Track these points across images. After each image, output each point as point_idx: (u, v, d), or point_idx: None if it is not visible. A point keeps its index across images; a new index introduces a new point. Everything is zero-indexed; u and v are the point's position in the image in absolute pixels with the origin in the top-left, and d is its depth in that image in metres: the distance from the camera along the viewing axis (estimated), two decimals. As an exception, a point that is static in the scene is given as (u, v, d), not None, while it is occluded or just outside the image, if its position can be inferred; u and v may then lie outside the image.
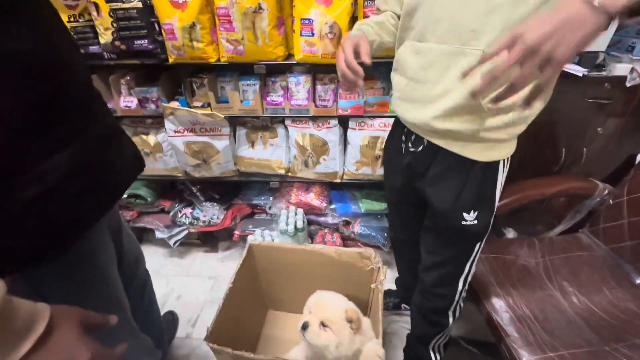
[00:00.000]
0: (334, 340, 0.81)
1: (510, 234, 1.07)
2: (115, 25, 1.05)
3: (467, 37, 0.56)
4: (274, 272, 1.12)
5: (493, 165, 0.66)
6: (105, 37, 1.09)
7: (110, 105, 1.27)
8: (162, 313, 1.37)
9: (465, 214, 0.69)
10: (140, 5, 1.03)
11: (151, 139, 1.32)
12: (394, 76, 0.73)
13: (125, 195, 1.49)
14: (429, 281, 0.85)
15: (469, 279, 0.81)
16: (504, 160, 0.66)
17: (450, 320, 0.88)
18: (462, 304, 0.86)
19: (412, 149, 0.74)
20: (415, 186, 0.78)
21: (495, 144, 0.64)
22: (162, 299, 1.44)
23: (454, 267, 0.79)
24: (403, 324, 1.28)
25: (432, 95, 0.62)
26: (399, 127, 0.79)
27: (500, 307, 0.82)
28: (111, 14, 1.04)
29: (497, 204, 0.70)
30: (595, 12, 0.38)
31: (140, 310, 0.85)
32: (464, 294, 0.84)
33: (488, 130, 0.60)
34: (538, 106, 0.60)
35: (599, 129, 1.20)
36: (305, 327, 0.82)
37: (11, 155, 0.37)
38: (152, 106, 1.22)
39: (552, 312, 0.80)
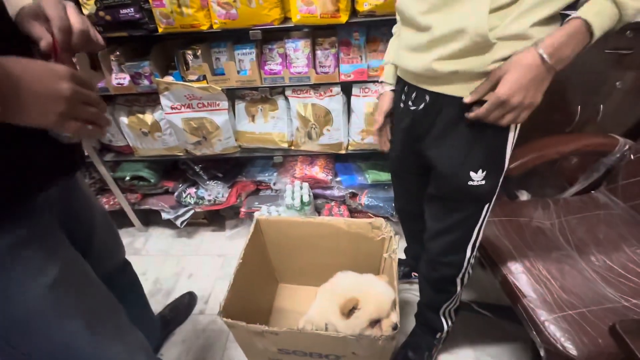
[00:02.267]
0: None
1: (524, 196, 1.04)
2: (97, -7, 0.98)
3: None
4: (282, 246, 1.11)
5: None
6: (89, 8, 1.02)
7: (101, 84, 1.22)
8: (175, 294, 1.39)
9: (472, 173, 0.66)
10: (122, -31, 0.96)
11: (148, 117, 1.27)
12: (397, 28, 0.70)
13: (127, 178, 1.47)
14: (435, 250, 0.83)
15: (477, 244, 0.78)
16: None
17: (459, 287, 0.87)
18: (470, 271, 0.84)
19: (412, 107, 0.70)
20: (416, 150, 0.75)
21: None
22: (173, 278, 1.45)
23: (461, 233, 0.77)
24: (414, 291, 1.28)
25: (435, 39, 0.58)
26: (399, 85, 0.75)
27: (515, 269, 0.80)
28: (92, -19, 0.97)
29: (507, 163, 0.66)
30: (550, 71, 0.53)
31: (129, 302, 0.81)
32: (472, 261, 0.82)
33: (498, 61, 0.56)
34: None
35: (617, 83, 1.13)
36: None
37: None
38: (146, 82, 1.17)
39: (570, 272, 0.78)
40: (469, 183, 0.67)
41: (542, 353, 0.68)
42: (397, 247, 0.91)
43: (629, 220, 0.89)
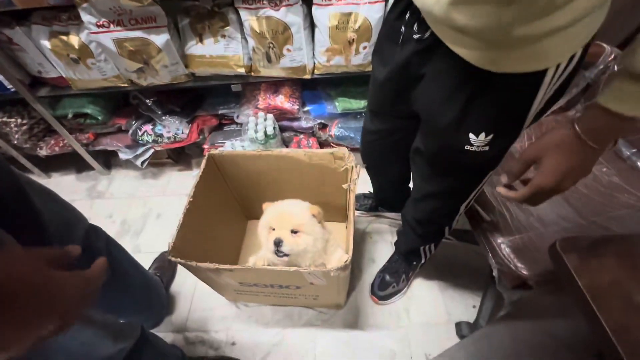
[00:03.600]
0: (310, 240, 0.83)
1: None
2: None
3: None
4: (244, 181, 1.05)
5: (532, 76, 0.44)
6: None
7: (5, -3, 0.98)
8: (145, 234, 1.35)
9: (472, 135, 0.51)
10: None
11: (74, 39, 1.07)
12: None
13: (70, 116, 1.32)
14: (423, 211, 0.77)
15: (472, 202, 0.70)
16: (557, 66, 0.42)
17: (446, 233, 0.84)
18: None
19: (416, 36, 0.51)
20: (406, 92, 0.59)
21: (544, 41, 0.39)
22: (141, 219, 1.41)
23: (453, 200, 0.68)
24: (382, 222, 1.29)
25: None
26: (402, 1, 0.54)
27: (479, 195, 0.77)
28: None
29: (528, 125, 0.51)
30: (595, 152, 0.44)
31: (116, 274, 0.74)
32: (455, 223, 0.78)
33: (528, 21, 0.37)
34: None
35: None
36: (278, 243, 0.79)
37: None
38: (57, -9, 0.94)
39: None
40: (465, 147, 0.53)
41: (494, 273, 0.68)
42: (358, 178, 0.85)
43: (602, 140, 0.84)
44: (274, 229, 0.83)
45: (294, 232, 0.82)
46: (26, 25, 1.08)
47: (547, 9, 0.36)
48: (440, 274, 1.12)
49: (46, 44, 1.07)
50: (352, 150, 0.99)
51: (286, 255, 0.81)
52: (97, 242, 0.70)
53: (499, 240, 0.68)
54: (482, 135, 0.51)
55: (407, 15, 0.52)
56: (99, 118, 1.35)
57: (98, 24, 1.00)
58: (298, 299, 0.97)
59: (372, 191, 1.22)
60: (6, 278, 0.23)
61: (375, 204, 1.24)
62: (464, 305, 1.06)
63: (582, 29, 0.39)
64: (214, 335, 1.05)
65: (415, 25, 0.51)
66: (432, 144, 0.61)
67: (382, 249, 1.21)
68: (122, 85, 1.22)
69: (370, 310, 1.06)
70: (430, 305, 1.07)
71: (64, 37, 1.07)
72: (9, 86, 1.17)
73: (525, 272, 0.63)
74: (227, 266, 0.72)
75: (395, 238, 1.16)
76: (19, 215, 0.45)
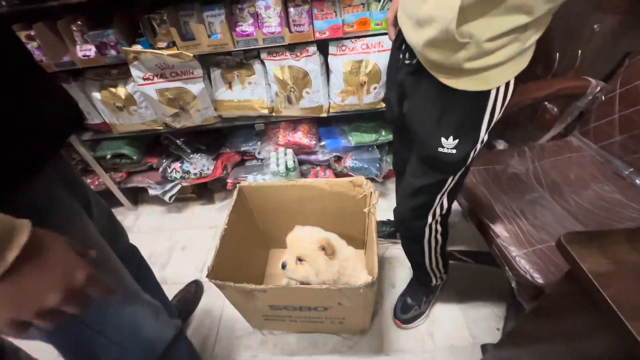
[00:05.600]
0: (312, 271, 0.86)
1: (501, 145, 1.06)
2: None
3: None
4: (268, 211, 1.13)
5: (482, 95, 0.59)
6: (39, -28, 0.95)
7: (66, 59, 1.16)
8: (170, 266, 1.41)
9: (443, 139, 0.65)
10: None
11: (121, 91, 1.23)
12: None
13: (108, 156, 1.45)
14: (402, 208, 0.85)
15: (440, 212, 0.80)
16: (497, 88, 0.59)
17: (426, 248, 0.89)
18: (439, 238, 0.87)
19: (407, 62, 0.68)
20: (402, 109, 0.74)
21: (484, 73, 0.57)
22: (167, 252, 1.48)
23: (424, 199, 0.78)
24: (400, 248, 1.33)
25: (419, 16, 0.55)
26: (400, 35, 0.70)
27: (491, 213, 0.84)
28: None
29: (483, 134, 0.65)
30: None
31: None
32: (437, 228, 0.84)
33: (472, 60, 0.54)
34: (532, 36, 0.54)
35: (595, 26, 1.12)
36: (283, 266, 0.87)
37: None
38: (113, 52, 1.12)
39: (541, 211, 0.82)
40: (439, 149, 0.66)
41: (513, 285, 0.72)
42: (377, 202, 0.93)
43: (599, 161, 0.92)
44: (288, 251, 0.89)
45: (300, 259, 0.86)
46: (80, 80, 1.25)
47: (482, 54, 0.53)
48: (461, 297, 1.14)
49: (97, 95, 1.24)
50: (369, 180, 1.08)
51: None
52: (132, 259, 0.81)
53: (514, 254, 0.74)
54: (451, 139, 0.65)
55: (403, 47, 0.68)
56: (134, 158, 1.48)
57: (144, 77, 1.16)
58: (324, 323, 1.00)
59: (390, 218, 1.29)
60: (52, 241, 0.35)
61: (394, 230, 1.30)
62: (488, 328, 1.07)
63: (509, 67, 0.56)
64: (241, 364, 1.06)
65: (407, 53, 0.67)
66: (418, 147, 0.74)
67: (401, 274, 1.24)
68: (158, 127, 1.36)
69: (394, 335, 1.08)
70: (453, 328, 1.08)
71: (113, 89, 1.23)
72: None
73: (541, 282, 0.67)
74: (262, 287, 0.77)
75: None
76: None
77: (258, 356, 1.07)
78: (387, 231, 1.33)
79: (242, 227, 1.08)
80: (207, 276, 0.79)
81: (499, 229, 0.80)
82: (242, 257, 1.08)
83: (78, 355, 0.56)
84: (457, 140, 0.65)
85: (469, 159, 0.69)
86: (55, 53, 1.16)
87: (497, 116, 0.63)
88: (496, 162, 0.98)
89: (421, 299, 1.09)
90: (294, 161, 1.37)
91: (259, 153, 1.48)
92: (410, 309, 1.08)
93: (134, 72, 1.14)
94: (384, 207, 1.17)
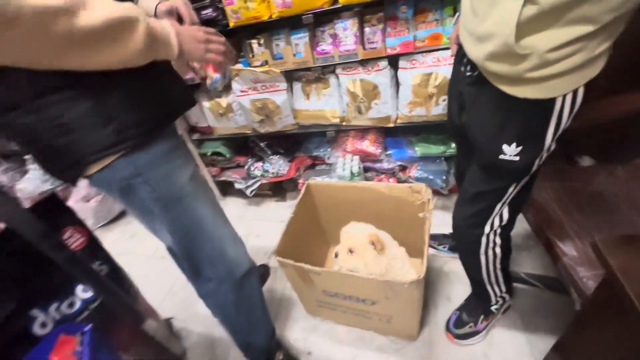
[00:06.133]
0: (361, 263, 0.93)
1: (586, 162, 0.95)
2: None
3: None
4: (331, 209, 1.24)
5: (547, 102, 0.59)
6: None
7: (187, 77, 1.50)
8: (247, 247, 1.64)
9: (505, 147, 0.65)
10: (202, -23, 1.18)
11: (223, 101, 1.52)
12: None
13: (209, 153, 1.78)
14: (459, 216, 0.85)
15: (498, 223, 0.78)
16: (564, 96, 0.58)
17: (483, 261, 0.86)
18: (497, 251, 0.84)
19: (468, 73, 0.71)
20: (462, 120, 0.77)
21: (548, 82, 0.56)
22: (245, 237, 1.64)
23: (482, 206, 0.77)
24: (460, 264, 1.28)
25: (480, 33, 0.59)
26: (461, 50, 0.73)
27: (560, 229, 0.78)
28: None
29: (548, 143, 0.64)
30: None
31: None
32: (496, 240, 0.82)
33: (534, 70, 0.55)
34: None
35: None
36: (336, 255, 0.96)
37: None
38: (221, 70, 1.40)
39: (622, 233, 0.73)
40: (500, 156, 0.67)
41: (577, 307, 0.67)
42: (433, 209, 0.95)
43: None
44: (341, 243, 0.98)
45: (350, 251, 0.94)
46: (196, 93, 1.59)
47: (544, 64, 0.54)
48: (527, 324, 1.05)
49: (206, 104, 1.56)
50: (433, 191, 1.09)
51: None
52: None
53: (582, 274, 0.68)
54: (513, 146, 0.64)
55: (465, 60, 0.71)
56: (227, 156, 1.78)
57: (242, 89, 1.42)
58: (372, 319, 1.04)
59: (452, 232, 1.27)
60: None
61: (455, 244, 1.27)
62: (556, 363, 0.95)
63: (576, 75, 0.55)
64: (293, 342, 1.18)
65: (469, 66, 0.70)
66: (478, 154, 0.74)
67: (459, 289, 1.20)
68: (247, 132, 1.62)
69: (444, 348, 1.05)
70: (516, 355, 1.00)
71: (218, 100, 1.53)
72: (179, 132, 1.68)
73: (610, 308, 0.61)
74: (317, 269, 0.88)
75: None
76: None
77: (308, 339, 1.18)
78: (449, 245, 1.30)
79: (307, 220, 1.21)
80: (273, 252, 0.94)
81: (567, 247, 0.74)
82: (303, 247, 1.21)
83: (189, 262, 0.79)
84: (520, 148, 0.65)
85: (534, 167, 0.68)
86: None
87: (564, 124, 0.62)
88: (576, 179, 0.90)
89: (478, 316, 1.04)
90: (359, 167, 1.47)
91: (328, 158, 1.62)
92: (464, 324, 1.05)
93: (235, 85, 1.41)
94: (447, 221, 1.16)
